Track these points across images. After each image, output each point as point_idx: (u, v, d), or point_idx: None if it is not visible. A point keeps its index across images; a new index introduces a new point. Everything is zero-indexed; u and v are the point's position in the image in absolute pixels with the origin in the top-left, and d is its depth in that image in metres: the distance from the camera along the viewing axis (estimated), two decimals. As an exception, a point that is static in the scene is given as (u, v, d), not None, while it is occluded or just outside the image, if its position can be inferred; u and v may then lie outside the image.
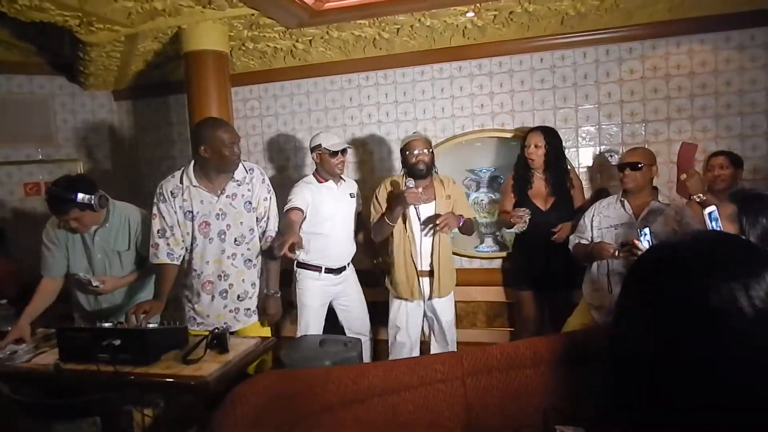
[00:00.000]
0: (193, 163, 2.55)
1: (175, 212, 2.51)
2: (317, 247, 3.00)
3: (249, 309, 2.66)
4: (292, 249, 2.39)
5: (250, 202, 2.60)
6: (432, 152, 2.90)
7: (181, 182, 2.53)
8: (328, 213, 2.99)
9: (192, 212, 2.51)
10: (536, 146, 3.08)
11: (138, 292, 2.74)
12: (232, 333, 2.40)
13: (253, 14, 2.93)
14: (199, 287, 2.59)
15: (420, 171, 2.84)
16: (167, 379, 1.97)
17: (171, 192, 2.51)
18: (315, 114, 4.06)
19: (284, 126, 4.14)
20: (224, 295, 2.59)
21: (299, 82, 4.05)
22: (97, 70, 3.84)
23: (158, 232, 2.51)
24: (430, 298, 2.91)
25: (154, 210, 2.53)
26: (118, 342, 2.02)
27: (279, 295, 2.67)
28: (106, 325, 2.16)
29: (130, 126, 4.61)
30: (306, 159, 4.08)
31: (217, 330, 2.22)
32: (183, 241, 2.54)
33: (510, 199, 3.23)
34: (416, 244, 2.85)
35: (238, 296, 2.62)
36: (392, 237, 2.90)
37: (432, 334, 3.03)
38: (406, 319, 2.95)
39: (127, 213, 2.67)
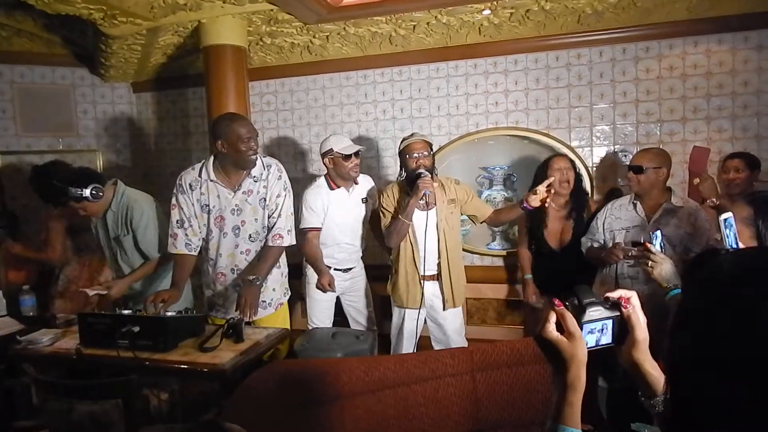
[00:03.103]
0: (213, 157, 2.58)
1: (193, 204, 2.56)
2: (325, 250, 3.01)
3: (264, 301, 2.68)
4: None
5: (265, 200, 2.60)
6: (432, 155, 2.76)
7: (200, 175, 2.57)
8: (337, 221, 2.95)
9: (208, 206, 2.56)
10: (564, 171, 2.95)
11: (155, 281, 2.82)
12: (248, 323, 2.45)
13: (272, 9, 2.97)
14: (214, 277, 2.66)
15: (420, 176, 2.66)
16: (184, 366, 2.03)
17: (190, 184, 2.56)
18: (330, 109, 4.09)
19: (299, 120, 4.18)
20: (237, 288, 2.61)
21: (315, 78, 4.09)
22: (118, 62, 3.91)
23: (177, 222, 2.56)
24: (444, 308, 2.81)
25: (174, 200, 2.58)
26: (137, 329, 2.08)
27: (260, 285, 2.49)
28: (126, 312, 2.23)
29: (148, 117, 4.69)
30: (320, 153, 4.12)
31: (232, 319, 2.27)
32: (200, 231, 2.60)
33: (524, 238, 3.21)
34: (419, 250, 2.75)
35: None
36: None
37: (435, 343, 2.93)
38: (407, 327, 2.87)
39: (128, 200, 2.72)
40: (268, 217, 2.62)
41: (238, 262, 2.62)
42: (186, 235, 2.56)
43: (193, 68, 4.06)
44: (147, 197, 2.81)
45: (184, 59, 3.90)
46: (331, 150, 2.87)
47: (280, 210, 2.61)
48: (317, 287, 2.91)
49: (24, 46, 4.09)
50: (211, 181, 2.55)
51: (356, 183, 3.00)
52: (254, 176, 2.57)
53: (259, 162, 2.58)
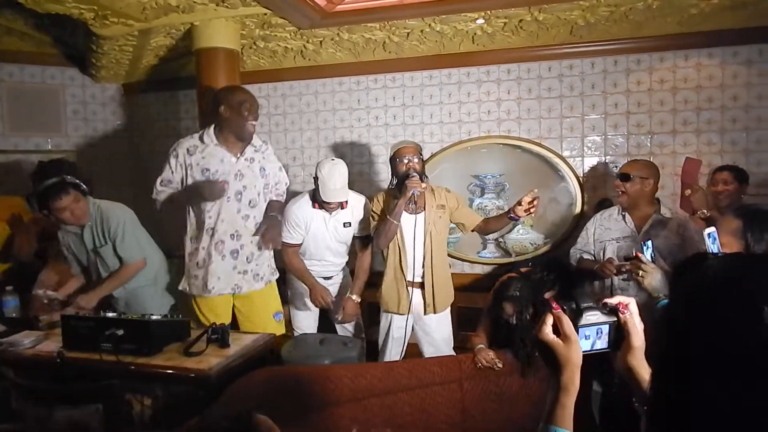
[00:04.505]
0: (213, 126, 2.68)
1: (187, 168, 2.63)
2: (306, 261, 2.97)
3: (258, 274, 2.79)
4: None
5: (264, 169, 2.78)
6: (422, 160, 2.75)
7: (202, 141, 2.65)
8: (317, 239, 2.90)
9: (209, 170, 2.62)
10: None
11: (148, 285, 2.85)
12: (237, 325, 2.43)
13: (265, 13, 2.96)
14: (212, 248, 2.65)
15: (409, 176, 2.62)
16: (169, 371, 2.00)
17: (187, 149, 2.64)
18: (323, 114, 4.09)
19: (292, 125, 4.17)
20: (235, 255, 2.69)
21: (308, 83, 4.08)
22: (109, 62, 3.88)
23: (162, 181, 2.69)
24: (425, 313, 2.79)
25: (169, 162, 2.67)
26: (121, 332, 2.05)
27: (279, 222, 2.80)
28: (110, 314, 2.19)
29: (138, 119, 4.65)
30: (312, 158, 4.11)
31: (215, 325, 2.25)
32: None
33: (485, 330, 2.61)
34: (407, 255, 2.74)
35: (247, 258, 2.73)
36: (385, 248, 2.80)
37: (422, 351, 2.89)
38: (394, 333, 2.84)
39: (102, 211, 2.72)
40: (268, 186, 2.82)
41: (238, 227, 2.68)
42: (166, 191, 2.71)
43: (185, 71, 4.04)
44: (121, 206, 2.82)
45: (176, 61, 3.88)
46: (317, 179, 2.76)
47: (285, 178, 2.95)
48: (312, 301, 2.92)
49: (14, 45, 4.04)
50: (214, 145, 2.64)
51: (343, 207, 2.86)
52: (255, 146, 2.74)
53: (256, 136, 2.74)
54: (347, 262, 3.14)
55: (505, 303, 2.45)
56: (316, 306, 2.93)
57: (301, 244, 2.91)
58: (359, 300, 2.90)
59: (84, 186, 2.64)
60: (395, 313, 2.81)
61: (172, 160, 2.65)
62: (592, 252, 2.78)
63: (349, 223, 2.90)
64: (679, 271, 0.80)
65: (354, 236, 2.95)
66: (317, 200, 2.81)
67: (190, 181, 2.63)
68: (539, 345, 0.93)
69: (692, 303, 0.70)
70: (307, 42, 3.49)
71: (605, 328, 0.94)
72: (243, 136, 2.64)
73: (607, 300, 0.97)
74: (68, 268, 2.94)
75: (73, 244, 2.78)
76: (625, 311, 0.94)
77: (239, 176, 2.66)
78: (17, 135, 4.27)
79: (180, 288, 2.75)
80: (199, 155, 2.62)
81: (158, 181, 2.70)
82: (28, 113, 4.30)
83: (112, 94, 4.60)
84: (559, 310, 0.93)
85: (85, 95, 4.49)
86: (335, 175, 2.70)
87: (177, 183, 2.67)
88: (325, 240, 2.90)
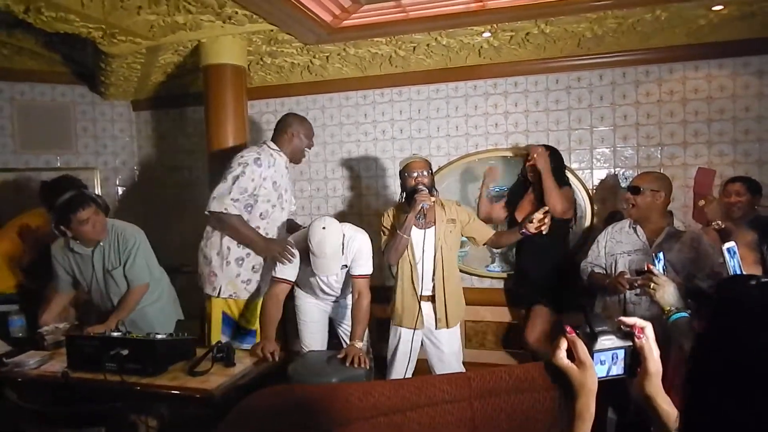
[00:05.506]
0: (270, 141, 2.86)
1: (263, 179, 2.72)
2: (304, 288, 2.90)
3: None
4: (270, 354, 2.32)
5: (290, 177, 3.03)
6: (432, 174, 2.73)
7: (273, 156, 2.80)
8: (311, 278, 2.75)
9: (276, 182, 2.81)
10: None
11: (153, 302, 2.81)
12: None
13: (272, 30, 2.97)
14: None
15: (418, 190, 2.60)
16: (173, 391, 1.97)
17: (267, 162, 2.75)
18: (330, 129, 4.09)
19: (299, 140, 4.17)
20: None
21: (315, 97, 4.09)
22: (118, 80, 3.91)
23: (239, 191, 2.64)
24: (436, 327, 2.76)
25: (241, 170, 2.64)
26: (126, 352, 2.03)
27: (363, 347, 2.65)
28: (115, 334, 2.17)
29: (147, 135, 4.68)
30: (320, 172, 4.11)
31: (220, 343, 2.22)
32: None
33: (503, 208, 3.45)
34: (418, 269, 2.72)
35: None
36: (397, 264, 2.78)
37: (431, 366, 2.85)
38: (403, 348, 2.78)
39: (118, 230, 2.69)
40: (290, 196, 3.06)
41: (281, 232, 2.93)
42: (240, 204, 2.68)
43: (193, 87, 4.07)
44: (134, 226, 2.80)
45: (184, 78, 3.90)
46: (309, 243, 2.48)
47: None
48: (256, 352, 2.39)
49: (25, 64, 4.10)
50: (284, 161, 2.85)
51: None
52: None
53: None
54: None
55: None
56: (259, 355, 2.35)
57: (292, 282, 2.67)
58: (361, 345, 2.51)
59: (99, 201, 2.61)
60: (408, 328, 2.77)
61: (255, 169, 2.67)
62: (604, 265, 2.73)
63: (346, 265, 2.70)
64: (719, 294, 0.77)
65: (350, 274, 2.70)
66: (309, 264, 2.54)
67: (258, 191, 2.73)
68: (553, 370, 0.91)
69: (731, 329, 0.69)
70: (314, 57, 3.50)
71: (621, 353, 0.91)
72: (297, 160, 2.94)
73: (623, 318, 0.93)
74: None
75: (76, 265, 2.69)
76: (641, 335, 0.90)
77: (288, 186, 2.94)
78: (28, 152, 4.32)
79: (215, 294, 2.77)
80: (273, 169, 2.77)
81: (230, 191, 2.59)
82: (39, 131, 4.34)
83: (122, 110, 4.64)
84: (574, 335, 0.90)
85: (94, 112, 4.53)
86: (326, 247, 2.43)
87: (251, 193, 2.71)
88: (321, 279, 2.77)
